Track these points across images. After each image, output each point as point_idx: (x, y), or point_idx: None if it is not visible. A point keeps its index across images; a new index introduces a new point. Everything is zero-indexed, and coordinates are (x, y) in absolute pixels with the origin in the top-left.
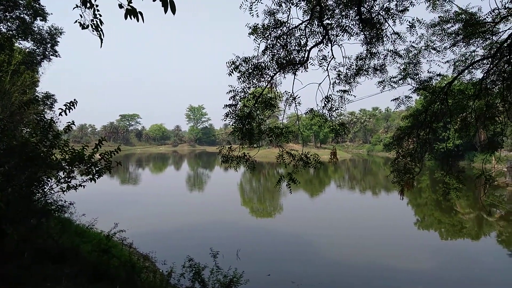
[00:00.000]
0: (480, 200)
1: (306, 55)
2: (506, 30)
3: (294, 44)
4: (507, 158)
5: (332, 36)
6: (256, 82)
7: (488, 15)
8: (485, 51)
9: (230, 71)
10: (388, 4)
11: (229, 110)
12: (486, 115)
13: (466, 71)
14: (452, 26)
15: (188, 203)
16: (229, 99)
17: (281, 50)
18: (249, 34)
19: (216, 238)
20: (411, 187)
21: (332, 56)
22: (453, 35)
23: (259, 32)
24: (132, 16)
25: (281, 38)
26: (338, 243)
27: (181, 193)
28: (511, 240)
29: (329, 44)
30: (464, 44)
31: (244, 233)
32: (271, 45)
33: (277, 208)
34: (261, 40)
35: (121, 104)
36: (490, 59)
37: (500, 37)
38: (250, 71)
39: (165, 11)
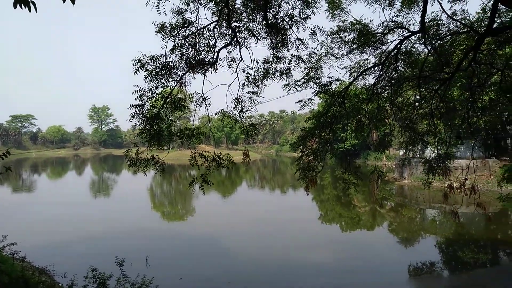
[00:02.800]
0: (373, 194)
1: (215, 56)
2: (393, 41)
3: (203, 45)
4: (395, 156)
5: (241, 39)
6: (164, 82)
7: (378, 26)
8: (376, 59)
9: (136, 69)
10: (292, 12)
11: (136, 111)
12: (377, 117)
13: (360, 77)
14: (349, 35)
15: (92, 210)
16: (135, 99)
17: (190, 50)
18: (156, 32)
19: (124, 246)
20: (315, 183)
21: (240, 58)
22: (349, 44)
23: (167, 30)
24: (23, 5)
25: (190, 37)
26: (249, 242)
27: (83, 200)
28: (400, 228)
29: (238, 46)
30: (358, 52)
31: (155, 239)
32: (179, 45)
33: (190, 210)
34: (168, 39)
35: (14, 104)
36: (380, 67)
37: (388, 47)
38: (158, 70)
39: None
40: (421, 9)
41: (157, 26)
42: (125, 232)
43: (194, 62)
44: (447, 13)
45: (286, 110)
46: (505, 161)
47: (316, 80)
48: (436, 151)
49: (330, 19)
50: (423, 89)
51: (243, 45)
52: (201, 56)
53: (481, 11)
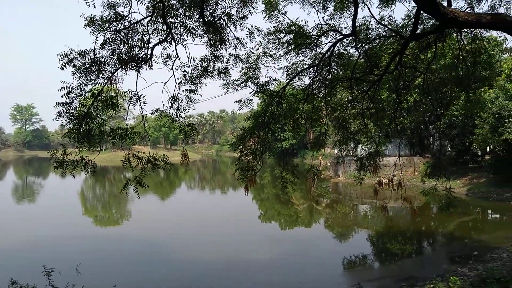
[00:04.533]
0: (310, 191)
1: (149, 53)
2: (327, 43)
3: (136, 40)
4: (330, 154)
5: (176, 36)
6: (94, 78)
7: (313, 29)
8: (311, 60)
9: (62, 64)
10: (230, 10)
11: (62, 109)
12: (313, 117)
13: (297, 77)
14: (285, 36)
15: (15, 217)
16: (62, 97)
17: (122, 45)
18: (85, 25)
19: (52, 254)
20: (254, 183)
21: (176, 56)
22: (286, 45)
23: (97, 24)
24: None
25: (122, 32)
26: (190, 245)
27: (4, 208)
28: (335, 224)
29: (173, 43)
30: (295, 53)
31: (87, 245)
32: (110, 39)
33: (125, 214)
34: (98, 33)
35: None
36: (315, 68)
37: (322, 49)
38: (87, 66)
39: None
40: (352, 14)
41: (86, 19)
42: (53, 239)
43: (126, 58)
44: (375, 19)
45: (226, 110)
46: (428, 158)
47: (254, 80)
48: (367, 149)
49: (267, 19)
50: (355, 90)
51: (179, 42)
52: (134, 52)
53: (406, 18)
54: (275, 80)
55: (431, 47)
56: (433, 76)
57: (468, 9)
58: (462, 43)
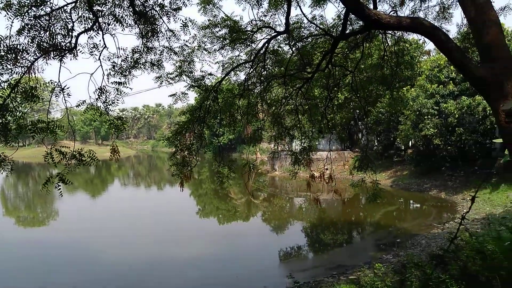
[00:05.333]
0: (247, 186)
1: (74, 41)
2: (262, 40)
3: (59, 28)
4: (268, 149)
5: (104, 24)
6: (11, 67)
7: (248, 24)
8: (247, 56)
9: None
10: (162, 1)
11: None
12: (249, 113)
13: (232, 73)
14: (220, 30)
15: None
16: None
17: (43, 33)
18: (0, 9)
19: None
20: (190, 179)
21: (104, 46)
22: (221, 39)
23: (14, 8)
24: None
25: (43, 18)
26: (123, 243)
27: None
28: (271, 217)
29: (101, 32)
30: (230, 48)
31: (6, 248)
32: (29, 25)
33: (52, 214)
34: (14, 18)
35: None
36: (250, 64)
37: (257, 45)
38: (3, 53)
39: None
40: (286, 11)
41: (2, 2)
42: None
43: (48, 46)
44: (307, 18)
45: (163, 104)
46: (357, 152)
47: (189, 74)
48: (301, 144)
49: (202, 12)
50: (289, 87)
51: (107, 32)
52: (56, 40)
53: (336, 18)
54: (210, 74)
55: (359, 47)
56: (361, 75)
57: (392, 12)
58: (386, 44)
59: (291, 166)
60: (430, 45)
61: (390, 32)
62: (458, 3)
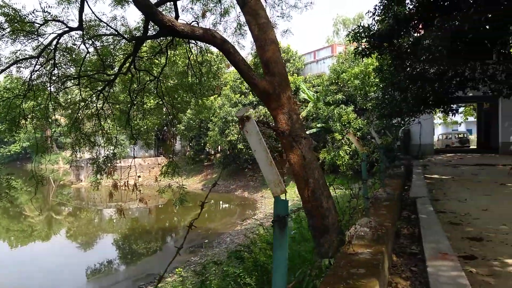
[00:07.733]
0: (48, 201)
1: None
2: (51, 33)
3: None
4: (73, 159)
5: None
6: None
7: (30, 14)
8: (34, 51)
9: None
10: None
11: None
12: (39, 116)
13: (14, 69)
14: None
15: None
16: None
17: None
18: None
19: None
20: None
21: None
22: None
23: None
24: None
25: None
26: None
27: None
28: (78, 233)
29: None
30: (11, 40)
31: None
32: None
33: None
34: None
35: None
36: (36, 60)
37: (45, 39)
38: None
39: None
40: (79, 6)
41: None
42: None
43: None
44: (98, 17)
45: None
46: (168, 158)
47: None
48: (104, 152)
49: None
50: (89, 89)
51: None
52: None
53: (141, 21)
54: None
55: (164, 53)
56: (167, 81)
57: (193, 23)
58: (191, 54)
59: (93, 176)
60: None
61: (193, 42)
62: None
